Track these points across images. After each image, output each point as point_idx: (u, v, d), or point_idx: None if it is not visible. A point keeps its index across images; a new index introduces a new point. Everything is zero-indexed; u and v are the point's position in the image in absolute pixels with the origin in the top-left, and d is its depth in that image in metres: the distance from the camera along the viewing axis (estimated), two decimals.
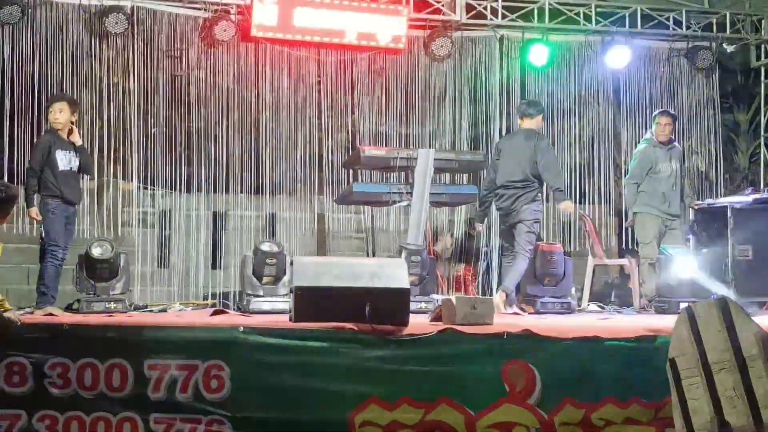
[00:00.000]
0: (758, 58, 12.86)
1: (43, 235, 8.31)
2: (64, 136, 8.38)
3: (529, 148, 9.48)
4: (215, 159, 11.12)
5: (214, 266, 11.22)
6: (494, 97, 12.03)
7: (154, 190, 10.95)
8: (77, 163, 8.42)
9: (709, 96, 12.72)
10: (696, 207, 10.93)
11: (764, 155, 12.78)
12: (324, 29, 11.17)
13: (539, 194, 9.54)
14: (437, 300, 8.42)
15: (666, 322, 7.30)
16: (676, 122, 10.90)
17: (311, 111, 11.59)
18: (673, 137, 10.47)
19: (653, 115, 10.86)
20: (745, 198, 10.56)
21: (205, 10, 10.88)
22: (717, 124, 12.79)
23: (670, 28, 12.35)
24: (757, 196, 10.61)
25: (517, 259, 9.34)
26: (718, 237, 10.47)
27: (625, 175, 12.19)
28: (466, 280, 11.33)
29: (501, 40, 12.06)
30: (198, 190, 11.01)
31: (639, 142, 10.86)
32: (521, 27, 11.99)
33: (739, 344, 4.53)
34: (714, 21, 12.44)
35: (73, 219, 8.51)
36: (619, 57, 12.06)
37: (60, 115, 8.38)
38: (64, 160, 8.29)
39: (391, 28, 11.36)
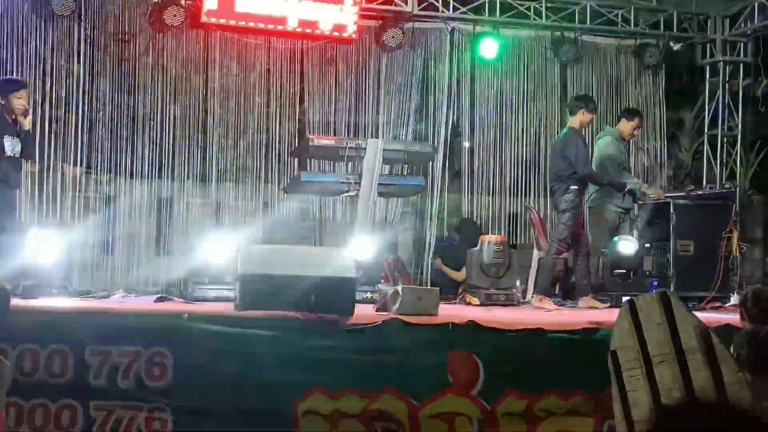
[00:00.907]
0: (704, 56, 13.01)
1: None
2: (10, 120, 8.29)
3: (558, 146, 9.73)
4: (162, 145, 11.04)
5: (158, 253, 11.14)
6: (444, 90, 12.05)
7: (98, 175, 10.83)
8: (20, 148, 8.32)
9: (655, 93, 12.85)
10: (640, 202, 11.06)
11: (707, 153, 12.93)
12: (265, 15, 11.08)
13: (571, 187, 9.57)
14: (383, 290, 8.44)
15: (608, 315, 7.39)
16: None
17: (260, 99, 11.54)
18: None
19: (625, 111, 11.04)
20: (688, 194, 10.72)
21: None
22: (662, 121, 12.93)
23: (619, 25, 12.47)
24: (700, 192, 10.76)
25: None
26: (661, 232, 10.61)
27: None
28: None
29: (452, 32, 12.09)
30: (143, 176, 10.90)
31: (599, 136, 11.04)
32: (472, 20, 12.03)
33: (679, 337, 4.57)
34: (662, 19, 12.57)
35: (14, 203, 8.40)
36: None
37: (24, 101, 8.34)
38: (10, 146, 8.19)
39: (333, 17, 11.30)
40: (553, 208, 9.75)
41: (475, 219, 12.22)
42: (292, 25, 11.18)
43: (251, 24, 11.09)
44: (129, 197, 10.96)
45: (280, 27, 11.19)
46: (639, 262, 9.79)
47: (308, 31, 11.31)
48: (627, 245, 9.81)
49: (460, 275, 10.80)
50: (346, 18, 11.35)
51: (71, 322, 6.40)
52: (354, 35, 11.46)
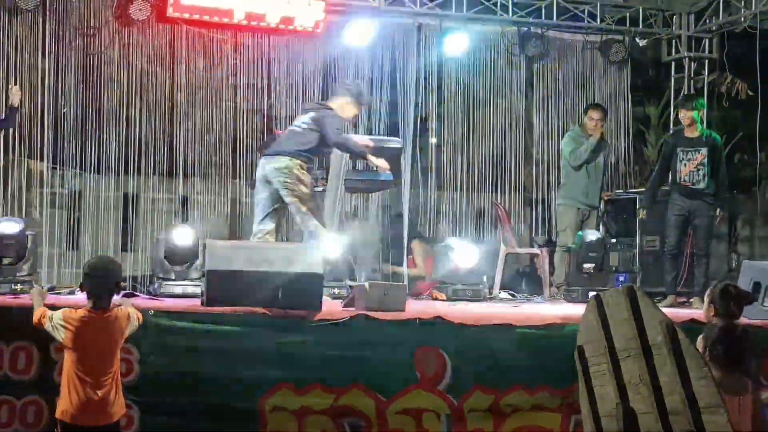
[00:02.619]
0: (669, 53, 13.08)
1: None
2: None
3: None
4: (128, 140, 10.98)
5: (124, 249, 11.10)
6: (411, 85, 12.05)
7: (64, 170, 10.77)
8: None
9: (621, 89, 12.91)
10: (606, 198, 11.13)
11: None
12: (211, 8, 10.92)
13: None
14: (351, 286, 8.44)
15: (575, 310, 7.45)
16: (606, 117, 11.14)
17: (227, 94, 11.52)
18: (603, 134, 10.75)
19: (585, 106, 11.09)
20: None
21: None
22: (628, 117, 12.98)
23: (585, 21, 12.51)
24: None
25: None
26: (627, 228, 10.69)
27: (537, 165, 12.41)
28: None
29: (419, 28, 12.08)
30: (109, 172, 10.83)
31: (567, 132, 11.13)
32: (439, 16, 12.02)
33: (645, 332, 4.61)
34: (627, 15, 12.63)
35: None
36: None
37: None
38: None
39: (280, 9, 11.13)
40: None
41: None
42: (238, 17, 11.01)
43: (196, 16, 10.90)
44: (95, 192, 10.89)
45: (226, 20, 11.03)
46: (605, 257, 9.83)
47: (254, 23, 11.14)
48: (591, 234, 9.81)
49: (416, 271, 10.79)
50: (294, 10, 11.19)
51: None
52: (303, 28, 11.27)
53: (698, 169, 9.42)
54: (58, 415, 5.53)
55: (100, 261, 6.05)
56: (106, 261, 6.01)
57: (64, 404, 5.47)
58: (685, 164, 9.46)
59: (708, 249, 9.61)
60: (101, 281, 5.62)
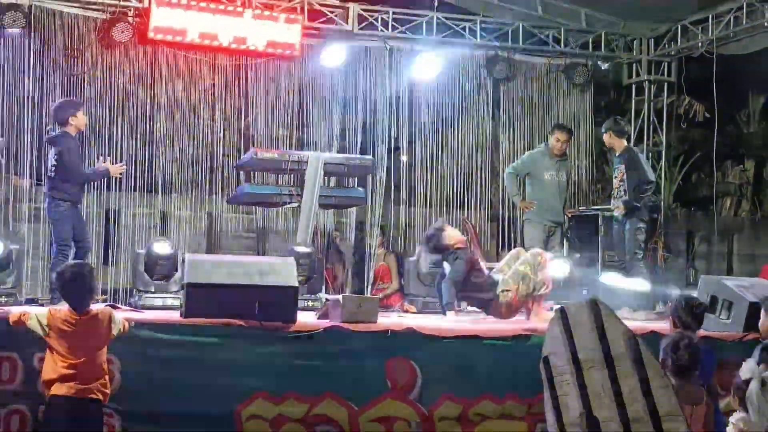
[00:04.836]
0: (630, 76, 13.34)
1: None
2: None
3: None
4: (109, 157, 11.08)
5: (105, 262, 11.16)
6: (383, 106, 12.25)
7: None
8: None
9: (584, 110, 13.11)
10: (570, 214, 11.37)
11: None
12: (167, 27, 10.98)
13: None
14: (325, 298, 8.59)
15: (540, 323, 7.65)
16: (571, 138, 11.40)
17: (206, 113, 11.66)
18: (566, 152, 11.01)
19: (551, 127, 11.35)
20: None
21: (104, 11, 10.85)
22: (590, 137, 13.17)
23: (550, 45, 12.73)
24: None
25: None
26: (589, 243, 10.94)
27: (503, 183, 12.63)
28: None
29: (391, 51, 12.28)
30: (91, 188, 10.88)
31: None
32: (410, 39, 12.24)
33: (608, 343, 4.77)
34: (590, 40, 12.86)
35: None
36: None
37: None
38: None
39: (232, 29, 11.26)
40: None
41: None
42: (192, 37, 11.12)
43: (168, 37, 11.02)
44: None
45: (179, 38, 11.09)
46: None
47: (207, 42, 11.24)
48: (559, 268, 9.99)
49: None
50: (245, 30, 11.32)
51: (20, 329, 6.21)
52: (247, 46, 11.41)
53: (620, 186, 9.97)
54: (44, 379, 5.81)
55: (71, 265, 6.15)
56: (78, 265, 6.12)
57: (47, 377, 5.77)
58: (613, 182, 10.13)
59: (635, 257, 9.91)
60: (73, 284, 5.84)
